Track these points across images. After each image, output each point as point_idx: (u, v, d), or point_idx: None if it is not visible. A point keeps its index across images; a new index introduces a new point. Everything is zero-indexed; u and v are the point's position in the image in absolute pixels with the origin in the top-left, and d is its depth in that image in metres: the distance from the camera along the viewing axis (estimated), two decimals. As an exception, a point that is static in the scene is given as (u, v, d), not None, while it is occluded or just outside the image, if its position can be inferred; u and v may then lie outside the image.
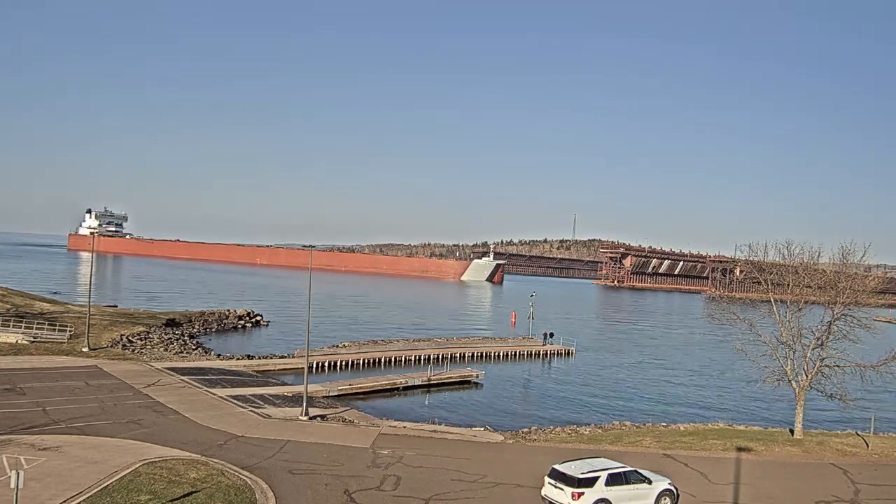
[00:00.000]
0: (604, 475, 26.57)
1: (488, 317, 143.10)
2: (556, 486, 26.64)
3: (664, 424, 46.80)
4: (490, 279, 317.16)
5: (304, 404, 42.14)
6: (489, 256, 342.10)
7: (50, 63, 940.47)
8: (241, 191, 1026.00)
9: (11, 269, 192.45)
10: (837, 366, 42.12)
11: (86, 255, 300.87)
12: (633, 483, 27.13)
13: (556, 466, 27.37)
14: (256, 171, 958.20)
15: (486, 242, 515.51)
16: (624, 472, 27.24)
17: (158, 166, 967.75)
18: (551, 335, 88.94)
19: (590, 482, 26.16)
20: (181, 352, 65.73)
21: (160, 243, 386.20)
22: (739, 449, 37.89)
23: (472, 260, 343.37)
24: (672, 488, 28.26)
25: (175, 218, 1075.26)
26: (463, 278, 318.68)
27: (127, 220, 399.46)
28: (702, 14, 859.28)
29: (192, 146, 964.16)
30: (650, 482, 27.67)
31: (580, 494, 25.78)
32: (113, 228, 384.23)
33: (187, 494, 25.73)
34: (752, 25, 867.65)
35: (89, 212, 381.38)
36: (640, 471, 28.24)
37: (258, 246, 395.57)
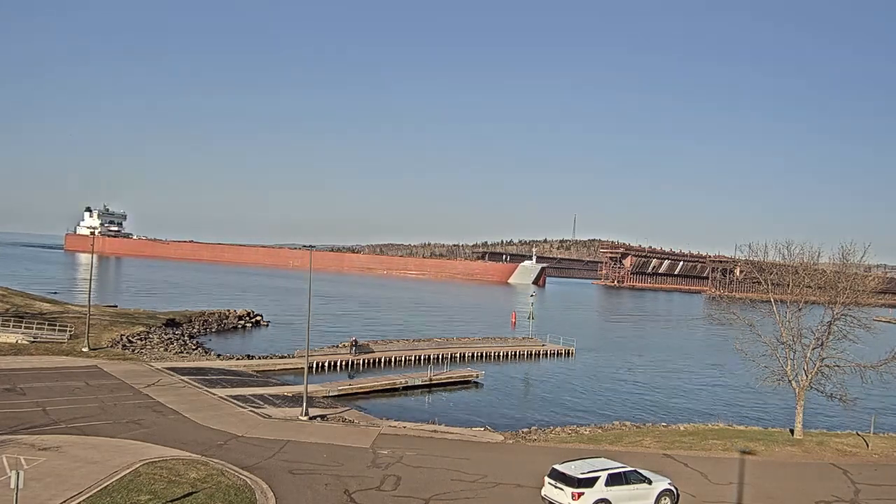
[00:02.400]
0: (604, 475, 26.52)
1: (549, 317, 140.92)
2: (556, 486, 26.58)
3: (664, 424, 46.81)
4: (535, 282, 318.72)
5: (304, 404, 42.14)
6: (532, 259, 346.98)
7: (47, 66, 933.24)
8: (238, 191, 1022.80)
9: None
10: (837, 366, 42.10)
11: (85, 257, 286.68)
12: (633, 483, 27.09)
13: (557, 466, 27.33)
14: (255, 171, 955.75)
15: (486, 242, 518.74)
16: (624, 473, 27.18)
17: (153, 166, 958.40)
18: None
19: (590, 482, 26.12)
20: (181, 352, 65.73)
21: (175, 245, 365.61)
22: (740, 449, 37.89)
23: (519, 263, 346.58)
24: (672, 488, 28.23)
25: (171, 218, 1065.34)
26: (510, 281, 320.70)
27: (126, 218, 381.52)
28: (703, 18, 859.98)
29: (187, 146, 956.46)
30: (650, 482, 27.64)
31: (580, 494, 25.74)
32: (115, 228, 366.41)
33: (187, 495, 25.73)
34: (752, 31, 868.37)
35: (89, 210, 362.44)
36: (640, 471, 28.21)
37: (291, 247, 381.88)
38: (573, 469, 26.84)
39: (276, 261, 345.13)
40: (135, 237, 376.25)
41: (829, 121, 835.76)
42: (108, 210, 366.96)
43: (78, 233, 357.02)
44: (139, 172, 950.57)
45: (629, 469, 27.75)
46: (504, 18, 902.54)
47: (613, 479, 26.61)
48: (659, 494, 27.60)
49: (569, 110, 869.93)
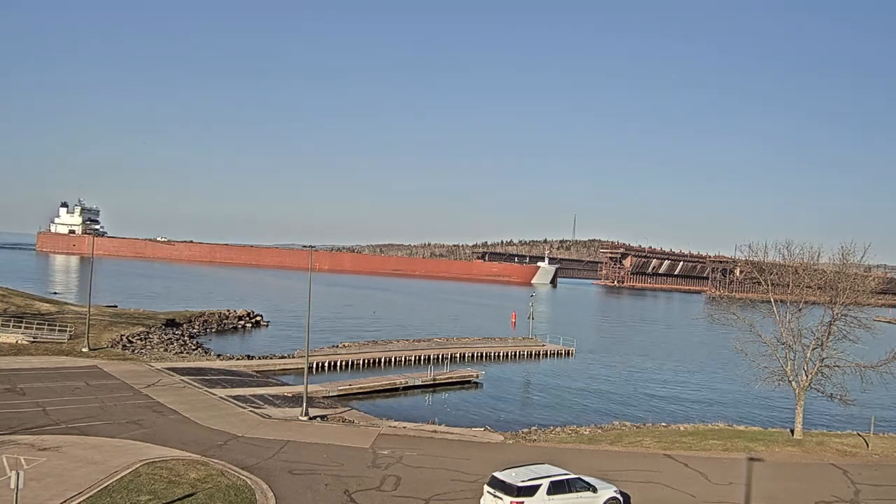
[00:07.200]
0: (545, 483, 25.25)
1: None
2: (494, 496, 25.20)
3: (664, 424, 46.84)
4: (551, 282, 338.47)
5: (304, 404, 42.15)
6: (545, 262, 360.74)
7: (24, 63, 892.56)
8: (235, 190, 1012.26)
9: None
10: (837, 366, 42.12)
11: (62, 259, 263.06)
12: (577, 491, 26.02)
13: (496, 474, 26.02)
14: (253, 171, 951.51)
15: (486, 242, 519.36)
16: (567, 480, 26.06)
17: (128, 162, 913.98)
18: None
19: (530, 490, 24.82)
20: (181, 352, 65.74)
21: (184, 246, 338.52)
22: (740, 449, 37.90)
23: (529, 264, 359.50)
24: (618, 496, 27.28)
25: (156, 216, 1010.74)
26: (533, 282, 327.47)
27: (99, 214, 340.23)
28: (702, 13, 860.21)
29: (174, 143, 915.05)
30: (595, 490, 26.60)
31: None
32: (96, 226, 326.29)
33: (188, 495, 25.72)
34: (752, 25, 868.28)
35: (65, 205, 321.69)
36: (585, 478, 27.24)
37: (307, 247, 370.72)
38: (513, 477, 25.41)
39: (299, 263, 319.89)
40: (108, 235, 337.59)
41: (831, 119, 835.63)
42: (83, 205, 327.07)
43: (54, 231, 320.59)
44: (106, 167, 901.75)
45: (573, 476, 26.64)
46: (504, 16, 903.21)
47: (556, 487, 25.39)
48: (605, 503, 26.66)
49: (568, 110, 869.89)
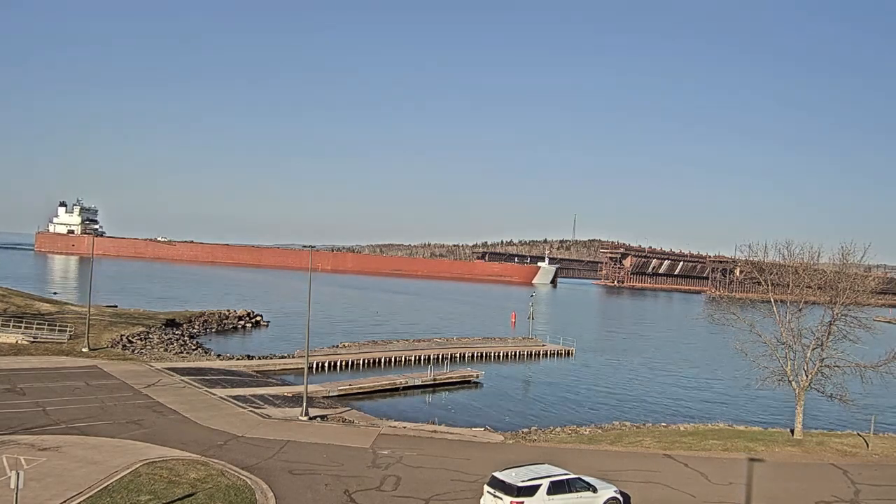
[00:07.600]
0: (545, 483, 25.33)
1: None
2: (494, 496, 25.27)
3: (664, 424, 46.84)
4: (552, 282, 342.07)
5: (304, 404, 42.16)
6: (545, 262, 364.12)
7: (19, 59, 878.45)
8: (235, 189, 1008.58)
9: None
10: (837, 366, 42.10)
11: (61, 259, 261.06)
12: (578, 491, 26.08)
13: (496, 474, 26.10)
14: (253, 171, 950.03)
15: (486, 242, 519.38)
16: (567, 480, 26.13)
17: (128, 162, 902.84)
18: None
19: (530, 490, 24.90)
20: (181, 352, 65.75)
21: (186, 246, 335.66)
22: (740, 449, 37.89)
23: (539, 266, 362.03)
24: (618, 496, 27.31)
25: (156, 216, 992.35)
26: (534, 282, 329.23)
27: (98, 214, 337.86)
28: (702, 11, 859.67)
29: (174, 142, 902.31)
30: (595, 490, 26.66)
31: None
32: (95, 226, 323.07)
33: (188, 495, 25.73)
34: (753, 23, 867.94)
35: (63, 205, 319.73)
36: (585, 478, 27.26)
37: (307, 247, 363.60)
38: (513, 477, 25.49)
39: (301, 263, 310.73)
40: (108, 235, 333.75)
41: (831, 118, 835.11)
42: (82, 205, 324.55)
43: (53, 231, 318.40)
44: (105, 167, 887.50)
45: (573, 476, 26.71)
46: (504, 16, 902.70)
47: (556, 487, 25.46)
48: (605, 503, 26.69)
49: (568, 109, 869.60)
